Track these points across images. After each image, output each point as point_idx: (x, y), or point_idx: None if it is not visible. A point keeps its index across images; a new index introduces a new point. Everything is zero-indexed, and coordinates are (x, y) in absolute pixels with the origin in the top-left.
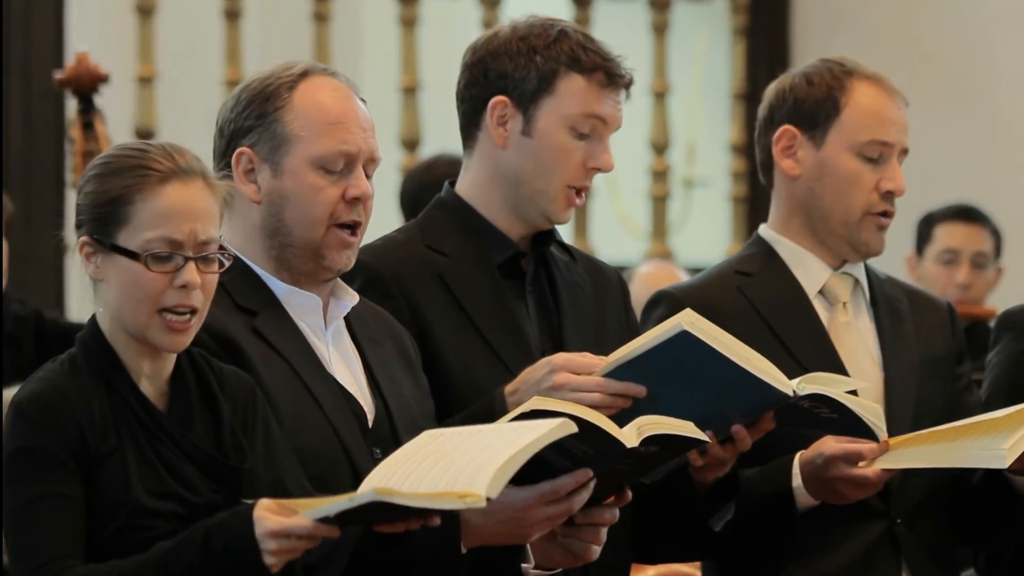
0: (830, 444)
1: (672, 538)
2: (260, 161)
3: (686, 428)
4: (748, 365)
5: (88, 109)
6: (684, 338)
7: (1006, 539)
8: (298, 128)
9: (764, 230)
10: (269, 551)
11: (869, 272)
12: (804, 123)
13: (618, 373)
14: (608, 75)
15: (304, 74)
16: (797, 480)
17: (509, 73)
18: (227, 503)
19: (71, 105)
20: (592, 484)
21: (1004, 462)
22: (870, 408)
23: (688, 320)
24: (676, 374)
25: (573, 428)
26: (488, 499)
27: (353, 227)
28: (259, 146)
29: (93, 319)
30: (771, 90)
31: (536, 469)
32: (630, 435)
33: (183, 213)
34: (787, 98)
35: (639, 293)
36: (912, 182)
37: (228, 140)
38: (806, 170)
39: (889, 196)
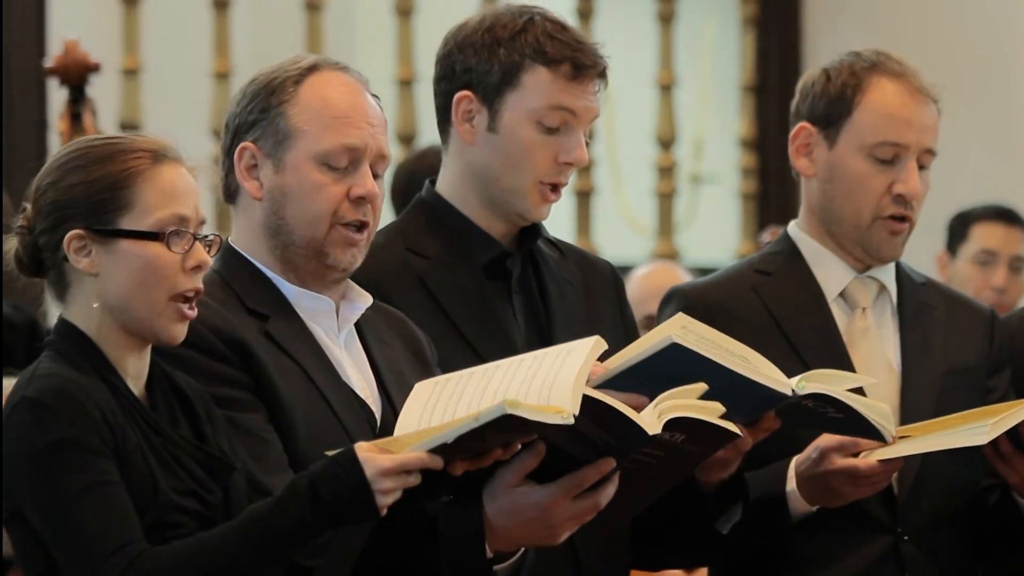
0: (826, 437)
1: (675, 541)
2: (263, 157)
3: (711, 413)
4: (742, 368)
5: (77, 100)
6: (674, 350)
7: (1017, 562)
8: (302, 123)
9: (792, 227)
10: (383, 490)
11: (902, 277)
12: (819, 121)
13: (614, 382)
14: (576, 66)
15: (312, 68)
16: (791, 484)
17: (473, 67)
18: (226, 501)
19: (57, 97)
20: (617, 476)
21: (986, 437)
22: (876, 408)
23: (678, 331)
24: (672, 380)
25: (604, 346)
26: (574, 416)
27: (359, 226)
28: (262, 141)
29: (63, 320)
30: (799, 83)
31: (557, 463)
32: (651, 420)
33: (184, 190)
34: (807, 93)
35: (636, 294)
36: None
37: (232, 135)
38: (820, 170)
39: (901, 199)
